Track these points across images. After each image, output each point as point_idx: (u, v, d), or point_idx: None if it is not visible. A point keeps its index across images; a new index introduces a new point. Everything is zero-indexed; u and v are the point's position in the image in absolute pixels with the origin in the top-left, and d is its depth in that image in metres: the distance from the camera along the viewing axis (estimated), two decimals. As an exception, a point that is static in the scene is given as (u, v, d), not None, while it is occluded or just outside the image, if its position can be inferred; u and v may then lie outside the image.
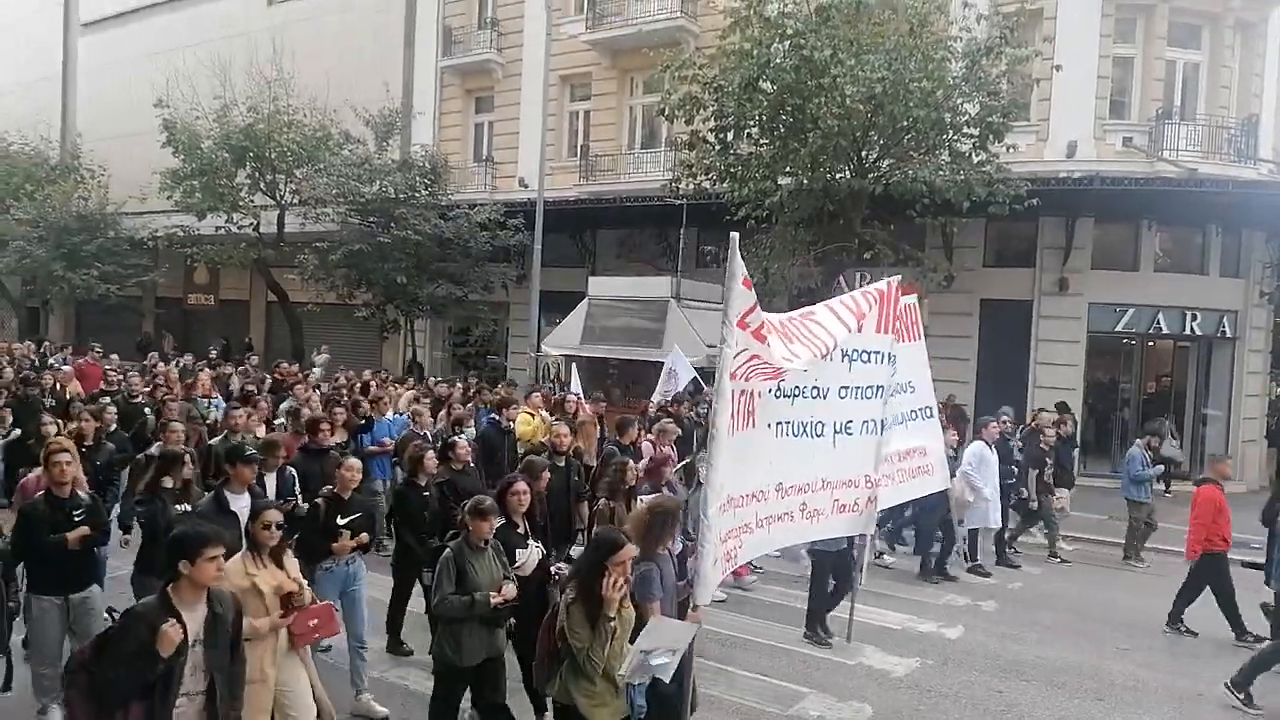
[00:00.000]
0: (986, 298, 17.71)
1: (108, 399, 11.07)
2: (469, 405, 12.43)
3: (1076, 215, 16.46)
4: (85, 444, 7.71)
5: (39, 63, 32.72)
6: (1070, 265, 16.77)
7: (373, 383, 14.20)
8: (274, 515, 4.85)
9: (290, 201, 21.67)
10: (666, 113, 15.31)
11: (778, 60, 13.47)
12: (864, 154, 14.36)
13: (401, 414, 11.38)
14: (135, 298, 27.02)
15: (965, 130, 13.94)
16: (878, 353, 6.65)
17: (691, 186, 15.54)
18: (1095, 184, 15.21)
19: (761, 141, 14.67)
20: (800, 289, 15.42)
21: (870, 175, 14.24)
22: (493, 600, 4.92)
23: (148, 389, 12.57)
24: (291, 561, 4.99)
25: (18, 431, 9.65)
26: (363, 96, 21.51)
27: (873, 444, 6.70)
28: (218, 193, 21.21)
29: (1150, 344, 17.98)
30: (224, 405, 11.38)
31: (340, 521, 6.07)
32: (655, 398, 13.19)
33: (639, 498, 6.76)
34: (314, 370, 18.76)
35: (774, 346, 5.26)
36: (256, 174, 21.42)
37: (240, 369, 16.70)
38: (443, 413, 11.55)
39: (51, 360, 18.15)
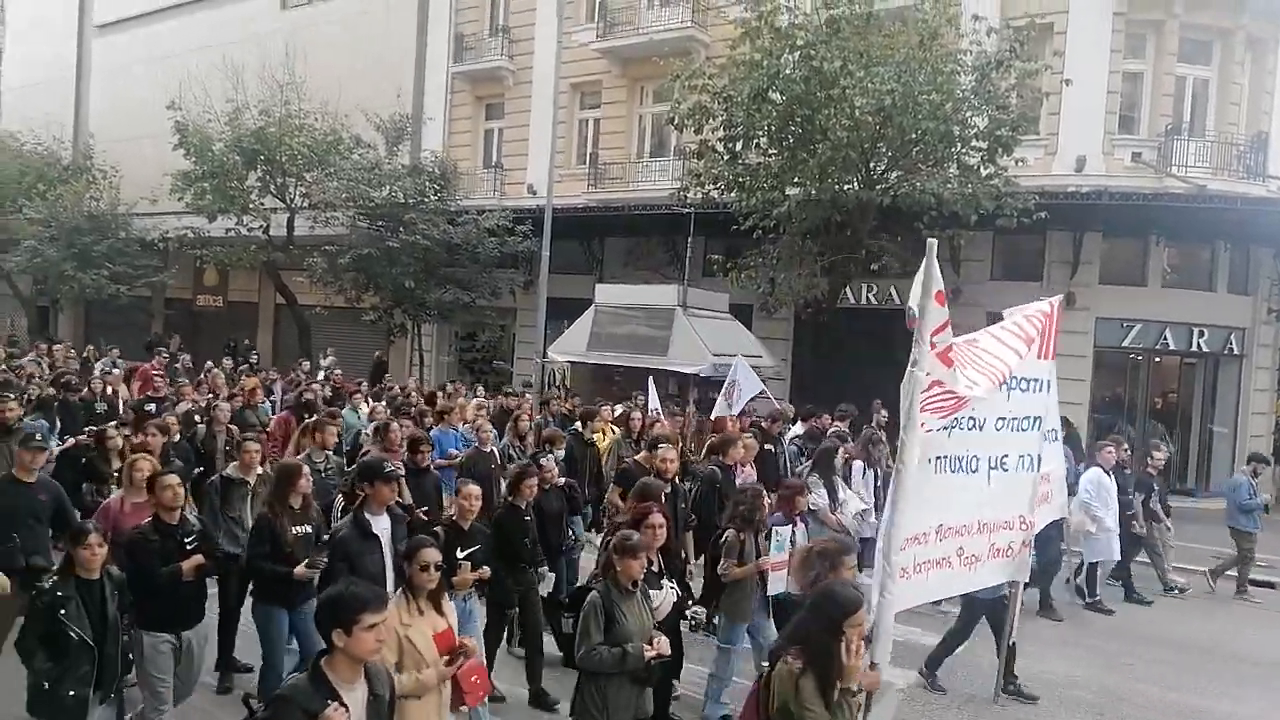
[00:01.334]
0: (993, 311, 17.56)
1: (153, 406, 10.61)
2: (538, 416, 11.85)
3: (1084, 230, 16.42)
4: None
5: (54, 64, 32.95)
6: (1078, 280, 16.73)
7: (439, 393, 13.61)
8: (433, 554, 4.25)
9: (300, 205, 21.76)
10: (676, 122, 15.37)
11: (787, 71, 13.52)
12: (872, 165, 14.37)
13: (468, 424, 10.60)
14: (145, 298, 27.17)
15: (974, 143, 13.95)
16: (1036, 380, 5.88)
17: (699, 195, 15.58)
18: (1103, 199, 15.21)
19: (770, 151, 14.70)
20: (807, 299, 15.43)
21: (878, 187, 14.25)
22: (646, 654, 4.35)
23: (193, 396, 11.77)
24: (449, 606, 4.42)
25: (69, 440, 9.00)
26: (374, 101, 21.64)
27: (1028, 481, 5.90)
28: (228, 195, 21.32)
29: (1157, 360, 17.92)
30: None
31: (460, 554, 5.42)
32: (716, 412, 12.48)
33: (775, 530, 6.19)
34: (320, 373, 18.77)
35: (958, 373, 4.78)
36: (267, 177, 21.52)
37: (249, 368, 16.62)
38: (510, 425, 10.41)
39: (99, 364, 17.33)
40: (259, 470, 6.71)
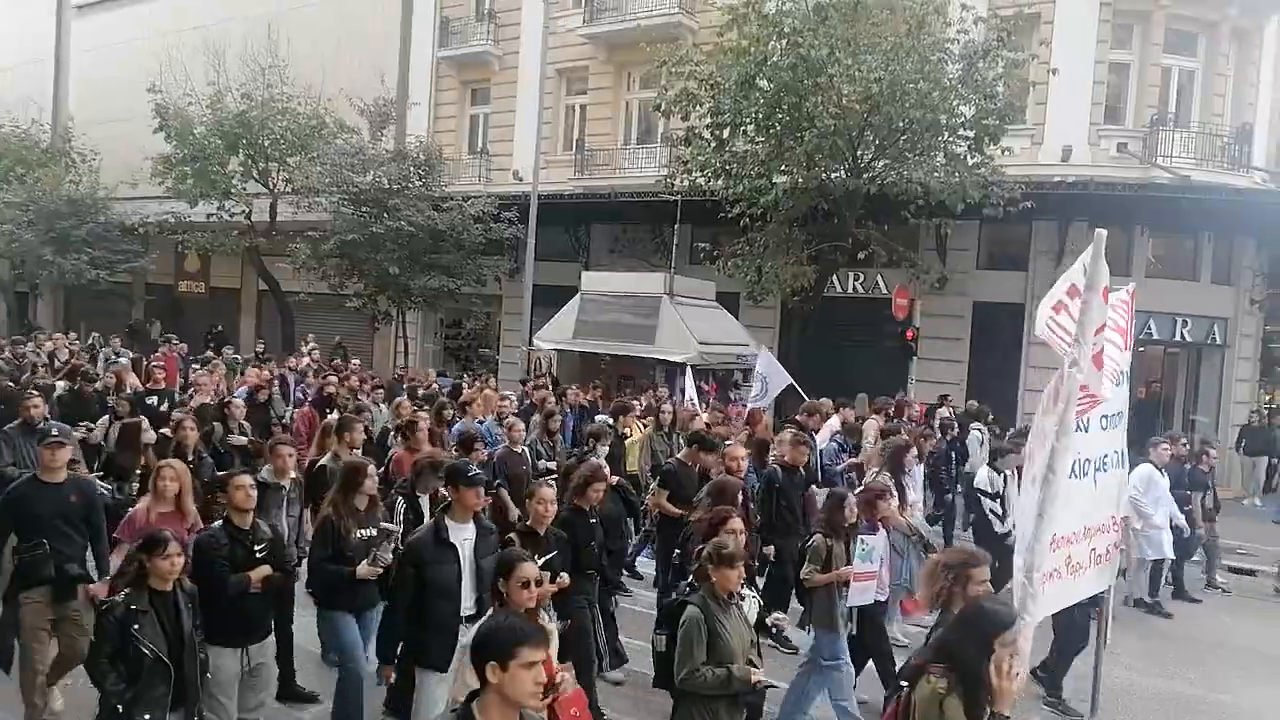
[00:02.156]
0: (980, 300, 17.73)
1: (155, 399, 10.19)
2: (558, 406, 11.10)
3: (1070, 219, 16.46)
4: (189, 459, 6.81)
5: (32, 45, 32.41)
6: (1063, 269, 16.65)
7: (464, 385, 13.17)
8: (532, 569, 3.86)
9: (283, 190, 21.54)
10: (663, 108, 15.31)
11: (775, 58, 13.48)
12: (859, 153, 14.36)
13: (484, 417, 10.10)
14: (125, 284, 26.84)
15: (961, 132, 13.97)
16: (1124, 372, 5.44)
17: (686, 183, 15.52)
18: (1089, 189, 15.26)
19: (757, 139, 14.65)
20: (794, 288, 15.43)
21: (865, 175, 14.25)
22: (753, 679, 4.10)
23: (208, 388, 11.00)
24: (551, 629, 3.98)
25: (92, 429, 8.47)
26: (358, 86, 21.41)
27: (1119, 479, 5.48)
28: (210, 179, 21.06)
29: (1140, 349, 17.97)
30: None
31: (538, 561, 4.93)
32: (751, 403, 12.04)
33: (860, 538, 5.80)
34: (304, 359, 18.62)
35: (1103, 374, 4.48)
36: (249, 161, 21.29)
37: (255, 357, 16.11)
38: (540, 420, 9.73)
39: (103, 352, 16.89)
40: (293, 474, 6.38)
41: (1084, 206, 15.95)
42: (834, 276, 16.89)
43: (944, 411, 13.12)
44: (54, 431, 5.67)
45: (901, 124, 13.46)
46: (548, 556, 4.98)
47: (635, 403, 11.43)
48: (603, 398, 13.66)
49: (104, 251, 24.70)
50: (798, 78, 13.23)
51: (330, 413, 9.87)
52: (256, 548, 4.87)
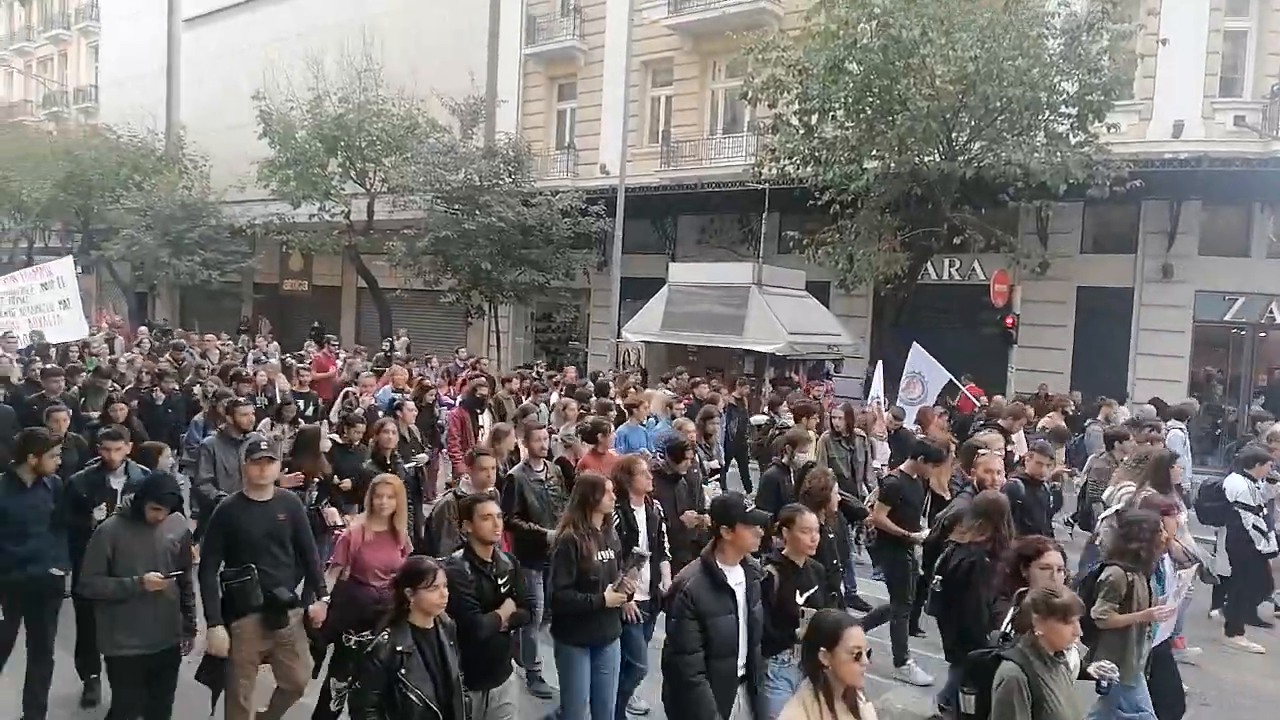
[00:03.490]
0: (1084, 285, 17.03)
1: (301, 402, 9.89)
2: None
3: (1182, 198, 15.65)
4: (388, 464, 6.59)
5: (146, 58, 34.26)
6: (1175, 251, 15.97)
7: (612, 382, 12.12)
8: (861, 636, 3.26)
9: (379, 189, 22.23)
10: (749, 96, 15.14)
11: (864, 40, 13.18)
12: (954, 136, 13.94)
13: (653, 417, 9.54)
14: (235, 283, 28.17)
15: (1063, 110, 13.41)
16: None
17: (774, 171, 15.34)
18: (1203, 165, 14.46)
19: (847, 124, 14.36)
20: (886, 276, 15.10)
21: (960, 158, 13.81)
22: None
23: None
24: (870, 710, 3.42)
25: (275, 433, 7.88)
26: (449, 85, 21.87)
27: None
28: (311, 181, 21.90)
29: (1262, 335, 16.97)
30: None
31: (799, 599, 4.43)
32: (901, 401, 11.31)
33: (1172, 570, 5.12)
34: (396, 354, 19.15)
35: None
36: (348, 163, 22.03)
37: (384, 356, 16.00)
38: (697, 422, 8.72)
39: (252, 353, 16.74)
40: (491, 489, 5.63)
41: (1197, 184, 15.15)
42: (928, 263, 16.47)
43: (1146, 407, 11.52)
44: (263, 445, 5.28)
45: (999, 103, 12.99)
46: (809, 593, 4.47)
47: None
48: (749, 396, 13.26)
49: (215, 253, 25.97)
50: (889, 59, 12.91)
51: (480, 414, 9.54)
52: (500, 581, 4.43)
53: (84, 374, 10.65)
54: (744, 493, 9.73)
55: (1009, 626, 4.00)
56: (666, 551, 5.77)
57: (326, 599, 5.03)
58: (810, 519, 4.57)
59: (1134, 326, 16.48)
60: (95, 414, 8.51)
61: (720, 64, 21.33)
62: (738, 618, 4.17)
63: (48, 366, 10.74)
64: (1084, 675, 4.02)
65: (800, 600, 4.38)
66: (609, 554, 4.84)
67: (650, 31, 21.09)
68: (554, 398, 11.24)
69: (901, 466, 7.19)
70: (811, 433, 8.54)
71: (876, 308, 18.45)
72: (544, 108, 24.49)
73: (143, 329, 20.66)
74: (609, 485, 4.97)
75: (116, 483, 5.83)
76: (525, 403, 10.86)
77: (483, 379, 10.73)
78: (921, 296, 16.32)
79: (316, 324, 26.39)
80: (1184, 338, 16.23)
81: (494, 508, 4.48)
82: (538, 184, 20.69)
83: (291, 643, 4.98)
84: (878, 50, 12.96)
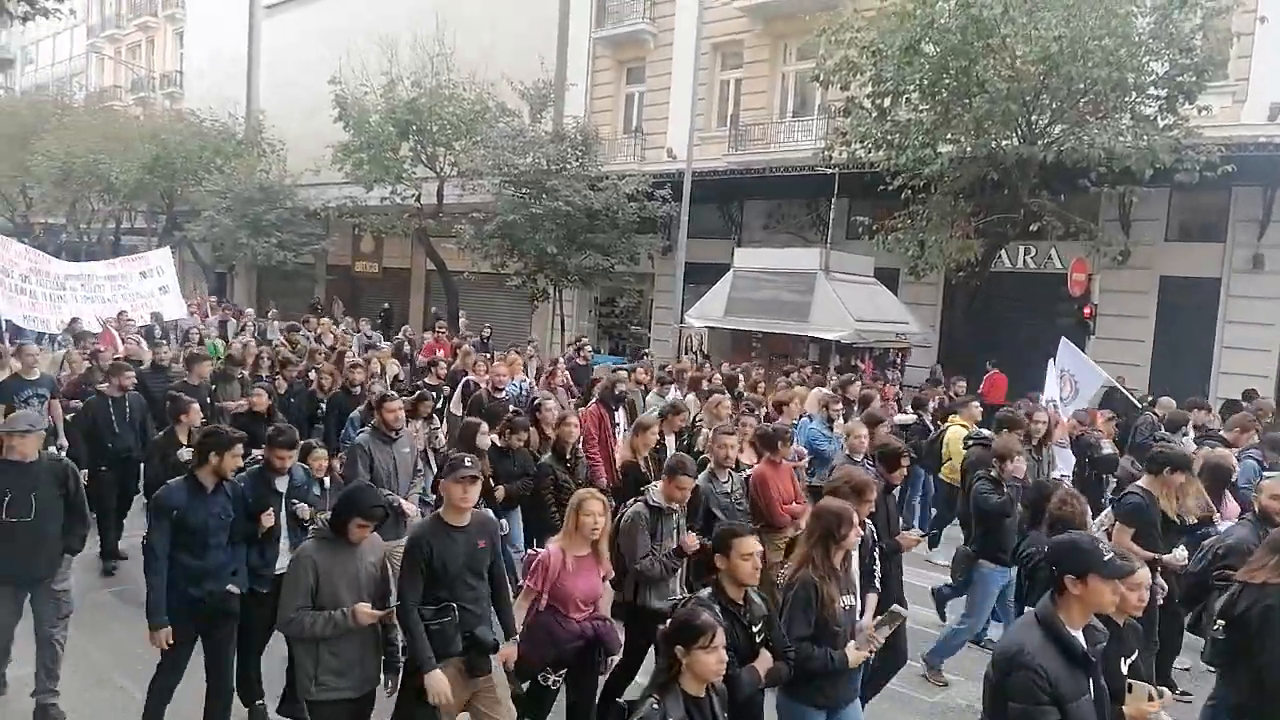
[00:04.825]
0: (1167, 274, 16.38)
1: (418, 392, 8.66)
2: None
3: (1277, 185, 14.92)
4: (566, 460, 6.28)
5: (228, 45, 35.30)
6: (1268, 240, 15.24)
7: (757, 378, 11.09)
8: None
9: (449, 173, 22.52)
10: (821, 79, 14.90)
11: (942, 20, 12.84)
12: (1034, 119, 13.49)
13: (806, 416, 8.97)
14: (309, 264, 28.93)
15: (1151, 91, 12.88)
16: None
17: (845, 155, 15.08)
18: (1302, 150, 13.75)
19: (921, 107, 14.02)
20: (959, 263, 14.74)
21: (1040, 141, 13.36)
22: None
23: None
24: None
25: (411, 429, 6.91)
26: (518, 70, 22.03)
27: None
28: (383, 165, 22.29)
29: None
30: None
31: (1123, 669, 3.92)
32: (1047, 401, 10.03)
33: None
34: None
35: None
36: (419, 147, 22.36)
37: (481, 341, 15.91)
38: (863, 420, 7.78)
39: (355, 338, 16.06)
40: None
41: (1294, 170, 14.41)
42: (1003, 250, 16.04)
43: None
44: (467, 461, 4.40)
45: (1083, 85, 12.53)
46: (1131, 660, 3.92)
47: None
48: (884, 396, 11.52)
49: (290, 234, 26.75)
50: (967, 40, 12.55)
51: (616, 410, 8.84)
52: (754, 628, 3.79)
53: (209, 361, 9.90)
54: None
55: None
56: (877, 583, 4.96)
57: (517, 637, 4.50)
58: (1144, 574, 3.66)
59: (1220, 319, 15.80)
60: (233, 404, 8.34)
61: (791, 46, 21.02)
62: (1098, 701, 3.15)
63: (196, 350, 10.31)
64: None
65: (1124, 670, 3.57)
66: (850, 600, 4.12)
67: (721, 14, 20.89)
68: (655, 392, 10.31)
69: (1140, 482, 6.08)
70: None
71: (947, 296, 18.04)
72: (612, 91, 24.48)
73: (248, 310, 21.20)
74: (855, 518, 4.16)
75: (281, 485, 5.35)
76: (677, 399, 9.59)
77: (621, 372, 9.82)
78: (994, 285, 15.88)
79: (386, 305, 27.00)
80: (1274, 331, 15.49)
81: (756, 545, 3.84)
82: (604, 168, 20.71)
83: (493, 688, 4.35)
84: (956, 30, 12.61)
